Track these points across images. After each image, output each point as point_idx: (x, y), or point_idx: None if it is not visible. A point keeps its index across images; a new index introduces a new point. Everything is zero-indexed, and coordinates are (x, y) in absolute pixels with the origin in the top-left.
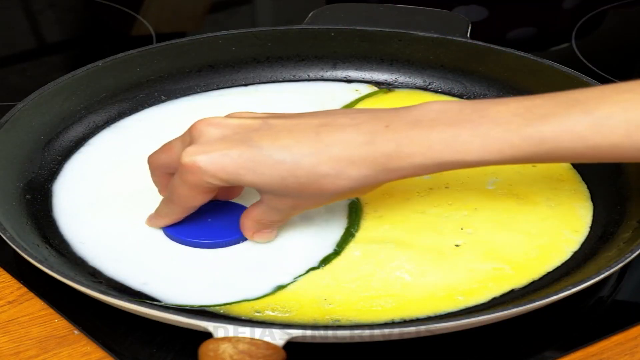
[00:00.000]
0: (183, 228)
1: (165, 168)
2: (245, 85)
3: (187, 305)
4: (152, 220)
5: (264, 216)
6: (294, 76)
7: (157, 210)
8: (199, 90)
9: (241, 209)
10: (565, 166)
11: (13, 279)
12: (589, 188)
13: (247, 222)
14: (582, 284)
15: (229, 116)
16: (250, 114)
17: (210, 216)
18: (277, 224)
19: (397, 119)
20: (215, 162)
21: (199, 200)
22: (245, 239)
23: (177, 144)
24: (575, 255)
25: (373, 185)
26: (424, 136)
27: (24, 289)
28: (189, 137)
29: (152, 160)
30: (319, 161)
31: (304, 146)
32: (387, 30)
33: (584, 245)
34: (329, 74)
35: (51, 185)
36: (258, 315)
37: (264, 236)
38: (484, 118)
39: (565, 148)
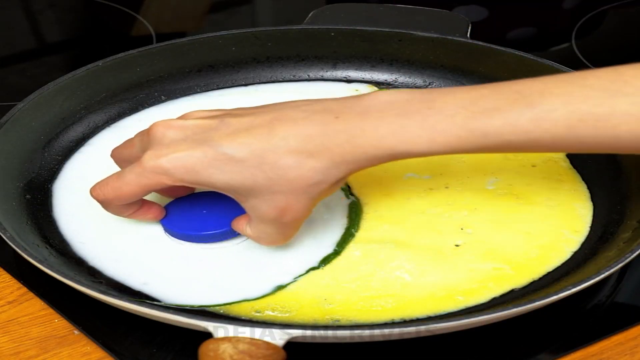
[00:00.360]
0: (181, 222)
1: (128, 163)
2: (245, 85)
3: (187, 305)
4: (95, 190)
5: (258, 233)
6: (294, 76)
7: (100, 186)
8: (199, 90)
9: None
10: (566, 166)
11: (13, 279)
12: (589, 188)
13: (239, 227)
14: (582, 284)
15: (184, 117)
16: (205, 113)
17: (205, 208)
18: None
19: (347, 109)
20: (179, 163)
21: (140, 196)
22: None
23: (137, 142)
24: (575, 255)
25: (340, 178)
26: (374, 127)
27: (24, 289)
28: (147, 139)
29: (115, 154)
30: (280, 155)
31: (262, 142)
32: (387, 30)
33: (584, 245)
34: (329, 74)
35: (51, 185)
36: (258, 315)
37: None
38: (431, 110)
39: (509, 141)
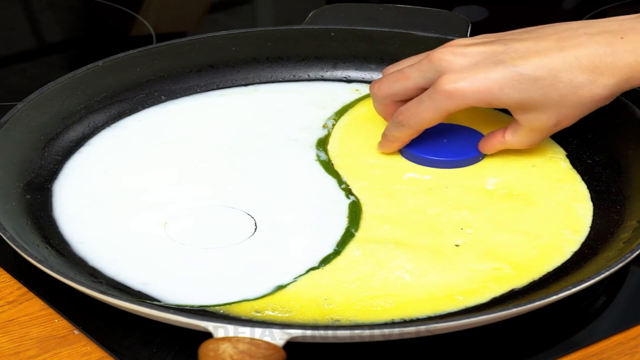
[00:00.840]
0: (423, 147)
1: (395, 96)
2: (245, 85)
3: (187, 305)
4: (383, 145)
5: (523, 140)
6: (294, 76)
7: (385, 136)
8: (199, 90)
9: (472, 131)
10: (566, 166)
11: (13, 279)
12: (589, 188)
13: (494, 142)
14: (582, 284)
15: (462, 44)
16: (483, 39)
17: (446, 137)
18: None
19: (630, 31)
20: (478, 85)
21: (435, 122)
22: (479, 159)
23: (414, 73)
24: (575, 255)
25: (619, 93)
26: None
27: (24, 289)
28: (432, 67)
29: (382, 89)
30: (574, 73)
31: (557, 61)
32: (387, 30)
33: (584, 245)
34: (329, 74)
35: (51, 185)
36: (258, 315)
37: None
38: None
39: None
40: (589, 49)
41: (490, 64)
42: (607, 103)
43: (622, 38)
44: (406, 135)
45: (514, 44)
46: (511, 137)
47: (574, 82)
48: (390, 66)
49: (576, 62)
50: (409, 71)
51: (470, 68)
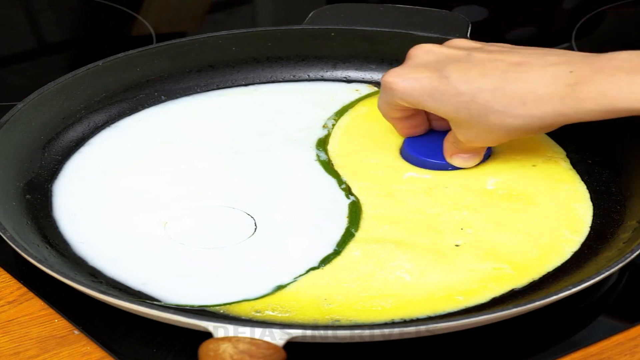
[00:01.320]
0: (423, 150)
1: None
2: (245, 85)
3: (187, 305)
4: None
5: (453, 140)
6: (294, 76)
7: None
8: (199, 90)
9: None
10: (566, 166)
11: (13, 279)
12: (588, 188)
13: (445, 144)
14: (582, 284)
15: (447, 44)
16: (464, 44)
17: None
18: (473, 152)
19: (584, 67)
20: (405, 86)
21: (394, 115)
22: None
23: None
24: (575, 255)
25: (540, 127)
26: (601, 83)
27: (24, 289)
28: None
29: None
30: (493, 97)
31: (487, 82)
32: (387, 30)
33: (584, 245)
34: (329, 74)
35: (51, 185)
36: (258, 315)
37: (461, 161)
38: None
39: None
40: (528, 76)
41: (432, 68)
42: (533, 134)
43: (571, 72)
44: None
45: (475, 54)
46: (450, 135)
47: (487, 106)
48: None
49: (504, 87)
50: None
51: (415, 67)
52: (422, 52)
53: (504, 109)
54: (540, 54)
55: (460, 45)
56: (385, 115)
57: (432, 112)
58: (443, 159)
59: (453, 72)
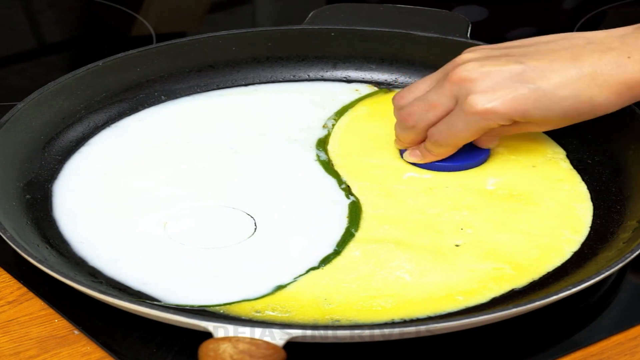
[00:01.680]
0: None
1: (430, 125)
2: (245, 85)
3: (187, 305)
4: (416, 157)
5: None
6: (294, 76)
7: (425, 151)
8: (199, 90)
9: None
10: (566, 166)
11: (13, 279)
12: (588, 188)
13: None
14: (582, 284)
15: (474, 58)
16: (490, 52)
17: None
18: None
19: (635, 50)
20: (508, 104)
21: (472, 139)
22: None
23: (442, 99)
24: (575, 255)
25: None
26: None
27: (24, 289)
28: (457, 89)
29: (418, 121)
30: (593, 93)
31: (579, 82)
32: (387, 30)
33: (584, 245)
34: (329, 74)
35: (51, 185)
36: (258, 315)
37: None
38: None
39: None
40: (603, 68)
41: (514, 83)
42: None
43: (629, 57)
44: (446, 152)
45: (530, 63)
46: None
47: (593, 101)
48: (402, 92)
49: (593, 82)
50: (435, 98)
51: (495, 88)
52: (477, 77)
53: (605, 98)
54: (567, 41)
55: (495, 55)
56: (460, 144)
57: (536, 121)
58: (450, 160)
59: (540, 82)
